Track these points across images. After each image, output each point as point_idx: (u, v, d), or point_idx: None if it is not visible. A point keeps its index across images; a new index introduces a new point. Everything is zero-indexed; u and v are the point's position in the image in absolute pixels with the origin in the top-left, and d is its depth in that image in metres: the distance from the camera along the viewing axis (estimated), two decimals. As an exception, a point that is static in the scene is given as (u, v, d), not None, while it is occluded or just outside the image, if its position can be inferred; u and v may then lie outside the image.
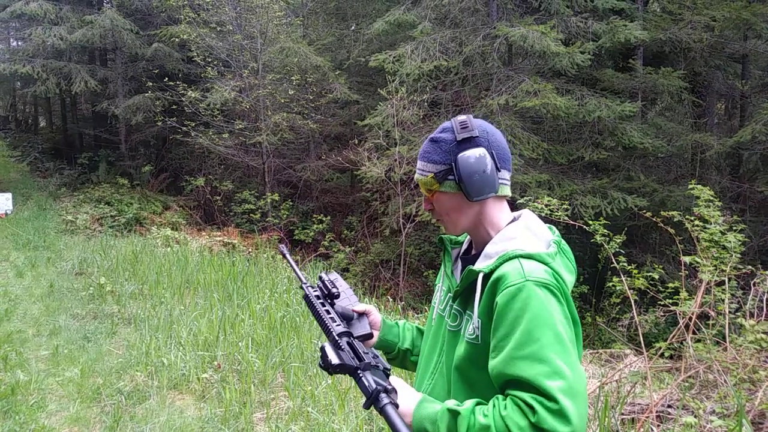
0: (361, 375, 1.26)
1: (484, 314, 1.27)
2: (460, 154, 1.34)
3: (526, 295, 1.19)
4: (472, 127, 1.36)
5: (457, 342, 1.34)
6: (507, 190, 1.40)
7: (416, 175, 1.44)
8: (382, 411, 1.18)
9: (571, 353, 1.17)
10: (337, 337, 1.39)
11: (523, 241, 1.32)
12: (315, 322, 5.28)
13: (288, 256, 1.80)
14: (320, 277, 1.61)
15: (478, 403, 1.21)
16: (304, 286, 1.62)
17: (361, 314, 1.56)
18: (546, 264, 1.26)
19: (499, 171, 1.36)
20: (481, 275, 1.29)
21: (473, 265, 1.36)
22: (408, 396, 1.27)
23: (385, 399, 1.19)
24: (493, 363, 1.21)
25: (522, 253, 1.27)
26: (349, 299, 1.57)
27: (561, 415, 1.10)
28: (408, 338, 1.64)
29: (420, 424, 1.23)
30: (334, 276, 1.63)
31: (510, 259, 1.27)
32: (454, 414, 1.19)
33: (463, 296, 1.36)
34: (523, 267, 1.23)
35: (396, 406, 1.20)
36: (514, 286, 1.20)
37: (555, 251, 1.33)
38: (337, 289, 1.57)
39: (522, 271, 1.22)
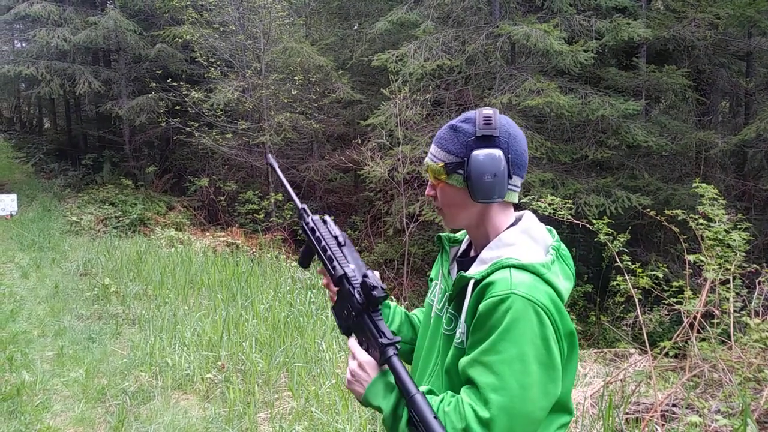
0: (376, 318, 1.32)
1: (470, 320, 1.26)
2: (475, 151, 1.29)
3: (506, 307, 1.17)
4: (495, 125, 1.30)
5: (450, 346, 1.33)
6: (515, 197, 1.37)
7: (426, 159, 1.40)
8: (389, 360, 1.25)
9: (530, 374, 1.15)
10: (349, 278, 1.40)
11: (520, 248, 1.29)
12: (317, 322, 5.28)
13: (278, 169, 1.69)
14: (324, 220, 1.56)
15: (429, 391, 1.26)
16: (303, 211, 1.56)
17: None
18: (540, 275, 1.23)
19: (511, 177, 1.32)
20: (471, 281, 1.28)
21: (469, 268, 1.34)
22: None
23: (391, 351, 1.26)
24: (461, 360, 1.24)
25: (515, 263, 1.24)
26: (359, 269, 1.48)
27: (486, 426, 1.13)
28: (396, 321, 1.61)
29: (377, 386, 1.28)
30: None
31: (502, 267, 1.24)
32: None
33: (456, 301, 1.35)
34: (511, 278, 1.21)
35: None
36: (498, 297, 1.19)
37: (552, 259, 1.30)
38: (344, 240, 1.52)
39: (510, 282, 1.20)
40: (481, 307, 1.22)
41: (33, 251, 9.13)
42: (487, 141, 1.30)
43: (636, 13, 10.24)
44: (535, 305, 1.18)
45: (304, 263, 1.63)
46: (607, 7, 9.74)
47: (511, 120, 1.37)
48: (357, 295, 1.35)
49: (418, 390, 1.18)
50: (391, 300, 1.72)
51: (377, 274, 1.45)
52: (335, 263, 1.44)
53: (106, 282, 6.67)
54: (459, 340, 1.29)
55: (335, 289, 1.47)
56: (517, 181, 1.35)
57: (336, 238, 1.51)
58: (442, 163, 1.35)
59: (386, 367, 1.29)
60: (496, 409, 1.13)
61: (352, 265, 1.43)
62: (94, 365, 4.55)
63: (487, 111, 1.33)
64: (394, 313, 1.62)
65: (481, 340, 1.20)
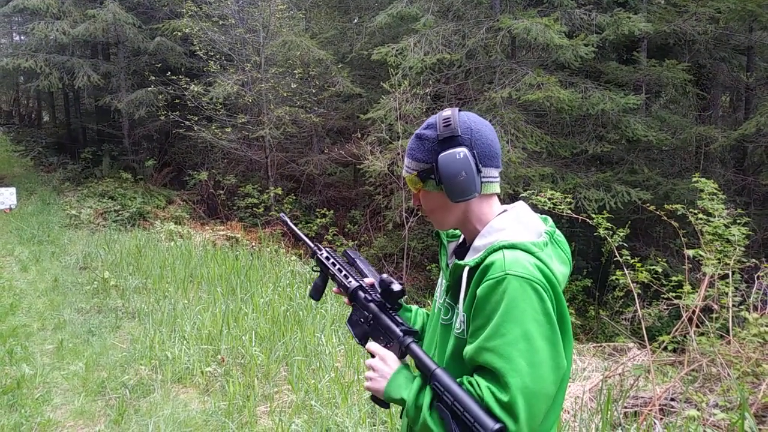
0: (394, 314, 1.44)
1: (469, 308, 1.27)
2: (441, 155, 1.32)
3: (503, 289, 1.19)
4: (455, 125, 1.32)
5: (449, 336, 1.35)
6: (494, 188, 1.38)
7: (403, 171, 1.44)
8: (408, 347, 1.33)
9: (538, 351, 1.17)
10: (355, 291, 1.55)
11: (511, 232, 1.30)
12: (317, 316, 5.31)
13: (290, 222, 1.88)
14: (345, 252, 1.70)
15: None
16: (317, 248, 1.72)
17: None
18: (531, 253, 1.24)
19: (480, 172, 1.33)
20: (466, 269, 1.28)
21: (462, 259, 1.36)
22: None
23: (410, 338, 1.35)
24: (466, 349, 1.25)
25: (506, 244, 1.26)
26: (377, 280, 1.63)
27: (507, 410, 1.14)
28: (418, 322, 1.64)
29: (398, 379, 1.32)
30: (357, 256, 1.70)
31: (495, 251, 1.26)
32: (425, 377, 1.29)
33: (453, 290, 1.36)
34: (505, 259, 1.22)
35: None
36: (494, 280, 1.20)
37: (545, 241, 1.30)
38: (358, 263, 1.66)
39: (504, 263, 1.21)
40: (478, 291, 1.23)
41: (32, 245, 9.12)
42: (450, 142, 1.33)
43: (637, 7, 10.20)
44: (531, 282, 1.19)
45: (317, 296, 1.77)
46: (607, 1, 9.70)
47: (474, 115, 1.39)
48: (375, 297, 1.47)
49: (439, 366, 1.24)
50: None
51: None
52: (350, 279, 1.58)
53: (106, 275, 6.67)
54: (459, 330, 1.30)
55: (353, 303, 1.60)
56: (491, 171, 1.36)
57: (346, 256, 1.68)
58: (415, 173, 1.38)
59: (406, 360, 1.35)
60: (513, 391, 1.14)
61: (367, 279, 1.58)
62: (94, 358, 4.55)
63: (446, 113, 1.35)
64: (416, 315, 1.66)
65: (483, 326, 1.21)
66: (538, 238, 1.31)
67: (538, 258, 1.24)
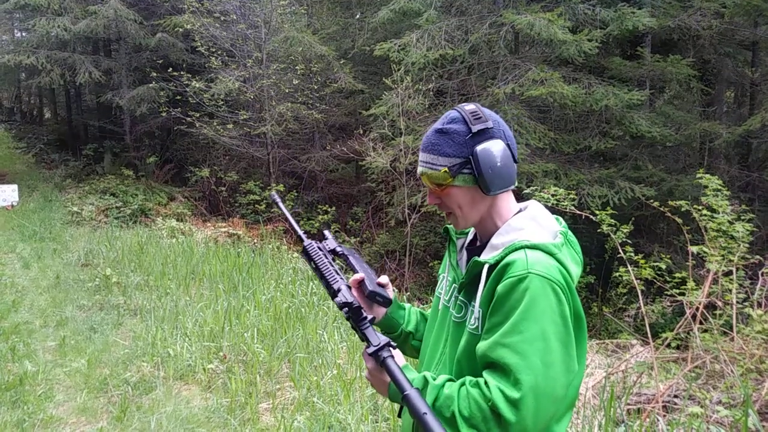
0: (369, 325, 1.35)
1: (485, 304, 1.27)
2: (479, 147, 1.30)
3: (525, 286, 1.19)
4: (486, 118, 1.32)
5: (462, 333, 1.33)
6: (516, 181, 1.39)
7: (422, 169, 1.37)
8: (384, 362, 1.27)
9: (553, 351, 1.17)
10: (340, 291, 1.45)
11: (529, 232, 1.30)
12: (319, 312, 5.29)
13: (281, 204, 1.74)
14: (324, 236, 1.62)
15: (449, 379, 1.27)
16: (303, 237, 1.62)
17: (384, 285, 1.53)
18: (552, 255, 1.25)
19: (517, 163, 1.35)
20: (486, 266, 1.28)
21: (479, 256, 1.34)
22: (397, 357, 1.34)
23: (386, 352, 1.28)
24: (480, 345, 1.24)
25: (528, 244, 1.26)
26: (368, 274, 1.53)
27: (515, 406, 1.14)
28: (413, 321, 1.62)
29: (393, 388, 1.29)
30: (348, 251, 1.59)
31: (516, 249, 1.26)
32: (425, 381, 1.26)
33: (469, 287, 1.35)
34: (527, 258, 1.22)
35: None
36: (516, 277, 1.20)
37: (562, 242, 1.31)
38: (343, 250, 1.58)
39: (526, 262, 1.21)
40: (499, 288, 1.22)
41: (34, 242, 9.13)
42: (485, 134, 1.32)
43: (641, 2, 10.13)
44: (552, 283, 1.20)
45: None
46: (611, -5, 9.65)
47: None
48: (354, 302, 1.40)
49: (412, 386, 1.21)
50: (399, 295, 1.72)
51: (384, 279, 1.51)
52: (329, 282, 1.50)
53: (108, 272, 6.68)
54: (474, 326, 1.29)
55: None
56: (515, 165, 1.38)
57: (333, 251, 1.58)
58: (445, 168, 1.33)
59: (402, 362, 1.32)
60: (524, 388, 1.14)
61: (357, 275, 1.49)
62: (96, 355, 4.55)
63: (470, 107, 1.34)
64: (410, 314, 1.63)
65: (501, 322, 1.21)
66: (554, 238, 1.31)
67: (557, 260, 1.24)
